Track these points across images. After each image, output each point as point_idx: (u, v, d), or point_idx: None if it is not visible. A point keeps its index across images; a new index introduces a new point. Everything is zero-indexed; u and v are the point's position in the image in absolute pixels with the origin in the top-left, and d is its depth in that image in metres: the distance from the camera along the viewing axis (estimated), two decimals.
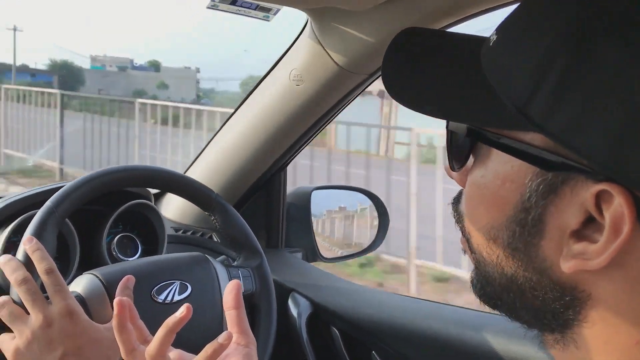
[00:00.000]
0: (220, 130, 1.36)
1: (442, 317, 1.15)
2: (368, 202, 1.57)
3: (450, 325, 1.11)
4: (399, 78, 0.53)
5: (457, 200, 0.54)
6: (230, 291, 0.76)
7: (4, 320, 0.82)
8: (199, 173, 1.37)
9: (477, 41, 0.51)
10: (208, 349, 0.68)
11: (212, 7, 1.01)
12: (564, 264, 0.43)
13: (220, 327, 1.03)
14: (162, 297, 0.97)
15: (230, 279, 1.08)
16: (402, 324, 1.16)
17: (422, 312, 1.19)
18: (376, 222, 1.55)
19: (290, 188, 1.50)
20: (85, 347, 0.82)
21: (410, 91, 0.52)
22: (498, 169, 0.47)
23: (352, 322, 1.22)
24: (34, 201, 1.16)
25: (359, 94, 1.20)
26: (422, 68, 0.52)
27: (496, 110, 0.45)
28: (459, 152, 0.51)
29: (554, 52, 0.41)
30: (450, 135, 0.52)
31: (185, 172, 1.42)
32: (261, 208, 1.43)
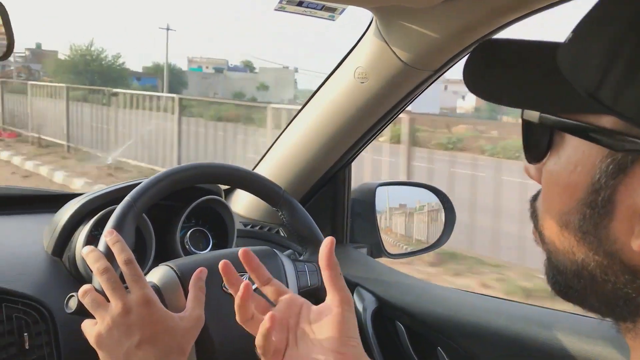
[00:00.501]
0: (287, 128, 1.39)
1: (507, 313, 1.14)
2: (433, 199, 1.56)
3: (517, 321, 1.09)
4: (478, 73, 0.56)
5: (534, 198, 0.57)
6: (325, 250, 0.78)
7: (87, 306, 0.88)
8: (267, 170, 1.40)
9: (553, 45, 0.53)
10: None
11: (280, 9, 1.04)
12: (635, 242, 0.44)
13: None
14: None
15: (296, 272, 1.11)
16: (467, 320, 1.15)
17: (487, 308, 1.18)
18: (441, 218, 1.55)
19: (355, 184, 1.52)
20: (160, 335, 0.86)
21: (488, 84, 0.55)
22: (570, 154, 0.49)
23: (417, 317, 1.23)
24: (113, 197, 1.23)
25: (424, 90, 1.21)
26: (500, 64, 0.55)
27: (569, 97, 0.47)
28: (535, 144, 0.53)
29: (623, 37, 0.44)
30: (526, 127, 0.54)
31: (254, 169, 1.47)
32: (326, 204, 1.46)
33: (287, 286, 1.07)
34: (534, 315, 1.12)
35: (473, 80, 0.55)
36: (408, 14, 1.01)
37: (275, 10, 1.04)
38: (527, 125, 0.54)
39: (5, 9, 0.84)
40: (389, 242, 1.55)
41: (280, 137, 1.41)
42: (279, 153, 1.41)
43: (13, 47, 0.88)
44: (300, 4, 1.03)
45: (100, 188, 1.31)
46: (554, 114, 0.49)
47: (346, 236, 1.50)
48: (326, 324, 0.75)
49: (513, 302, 1.24)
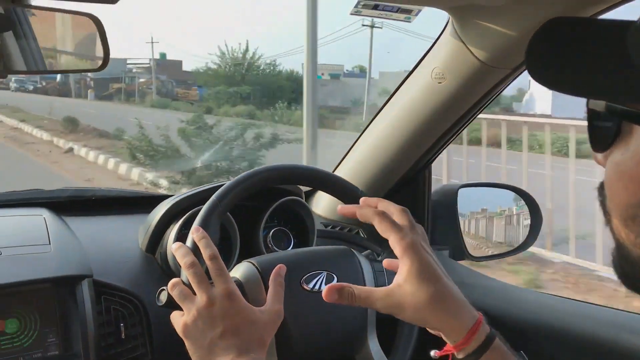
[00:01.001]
0: (366, 130, 1.41)
1: (593, 317, 1.09)
2: (517, 201, 1.52)
3: (604, 326, 1.05)
4: (542, 60, 0.54)
5: (602, 185, 0.55)
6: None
7: (175, 298, 0.94)
8: (346, 171, 1.43)
9: (622, 25, 0.50)
10: None
11: (356, 13, 1.07)
12: None
13: (364, 317, 1.07)
14: (310, 285, 1.05)
15: (374, 272, 1.12)
16: (551, 324, 1.12)
17: (571, 312, 1.14)
18: (526, 221, 1.51)
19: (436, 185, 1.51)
20: (242, 327, 0.91)
21: (552, 72, 0.53)
22: (638, 144, 0.47)
23: (499, 320, 1.20)
24: (200, 197, 1.30)
25: (504, 89, 1.19)
26: (565, 51, 0.53)
27: (639, 86, 0.45)
28: (601, 133, 0.52)
29: None
30: (591, 115, 0.53)
31: (334, 171, 1.50)
32: (406, 205, 1.45)
33: (365, 285, 1.09)
34: (624, 320, 1.07)
35: (535, 66, 0.54)
36: (484, 12, 1.00)
37: (351, 14, 1.07)
38: (592, 113, 0.52)
39: (101, 22, 0.92)
40: (471, 244, 1.53)
41: (360, 138, 1.43)
42: (358, 154, 1.43)
43: (109, 59, 0.96)
44: (375, 7, 1.05)
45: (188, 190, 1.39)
46: (622, 103, 0.48)
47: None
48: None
49: (598, 306, 1.19)
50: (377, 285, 1.10)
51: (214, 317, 0.90)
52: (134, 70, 44.86)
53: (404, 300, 0.76)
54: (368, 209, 0.83)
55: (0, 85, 42.47)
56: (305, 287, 1.04)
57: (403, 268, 0.77)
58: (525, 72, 1.12)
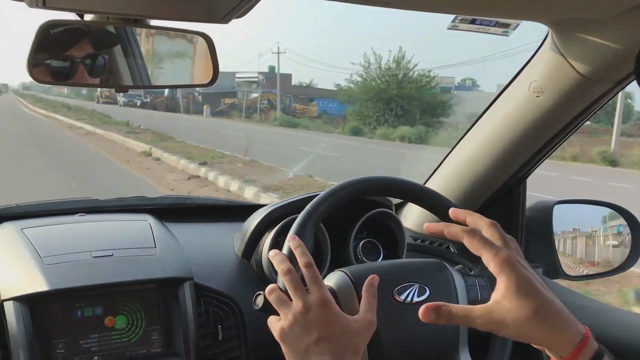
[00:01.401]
0: (459, 143, 1.40)
1: None
2: (614, 219, 1.46)
3: None
4: None
5: None
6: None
7: (272, 303, 0.98)
8: (438, 184, 1.43)
9: None
10: None
11: (453, 27, 1.07)
12: None
13: (457, 329, 1.07)
14: (403, 296, 1.05)
15: (466, 286, 1.11)
16: None
17: None
18: (625, 240, 1.44)
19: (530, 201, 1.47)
20: (336, 334, 0.93)
21: None
22: None
23: (600, 342, 1.16)
24: (294, 207, 1.34)
25: (606, 103, 1.15)
26: None
27: None
28: None
29: None
30: None
31: (425, 183, 1.50)
32: (499, 220, 1.43)
33: (457, 300, 1.08)
34: None
35: None
36: (586, 25, 0.98)
37: (449, 29, 1.07)
38: None
39: (211, 40, 0.98)
40: (566, 263, 1.48)
41: (453, 151, 1.43)
42: (451, 167, 1.42)
43: (218, 75, 1.02)
44: (473, 22, 1.06)
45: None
46: None
47: None
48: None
49: None
50: (469, 300, 1.09)
51: (309, 323, 0.92)
52: (243, 84, 43.82)
53: (504, 317, 0.75)
54: (456, 227, 0.82)
55: (109, 100, 44.63)
56: (397, 298, 1.05)
57: (500, 285, 0.77)
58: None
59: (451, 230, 0.82)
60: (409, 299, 1.05)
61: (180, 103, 40.49)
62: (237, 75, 46.77)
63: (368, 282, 1.01)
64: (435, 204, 1.16)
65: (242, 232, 1.40)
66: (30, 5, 0.77)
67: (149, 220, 1.42)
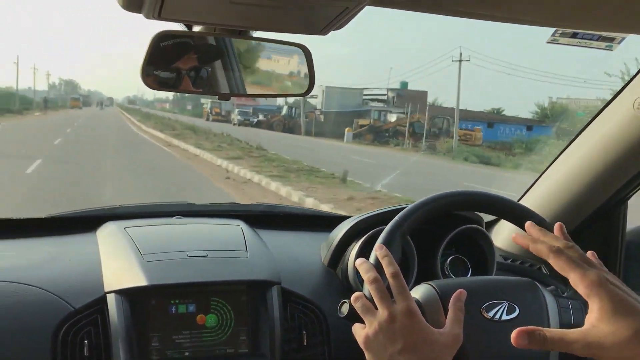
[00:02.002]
0: (556, 160, 1.36)
1: None
2: None
3: None
4: None
5: None
6: None
7: (357, 311, 0.99)
8: (532, 201, 1.39)
9: None
10: None
11: (553, 41, 1.05)
12: None
13: (546, 352, 1.03)
14: (491, 314, 1.03)
15: (559, 308, 1.07)
16: None
17: None
18: None
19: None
20: (421, 345, 0.92)
21: None
22: None
23: None
24: (381, 219, 1.35)
25: None
26: None
27: None
28: None
29: None
30: None
31: (518, 200, 1.46)
32: (596, 242, 1.37)
33: (548, 321, 1.05)
34: None
35: None
36: None
37: (548, 42, 1.05)
38: None
39: (309, 51, 1.01)
40: None
41: (548, 169, 1.38)
42: (546, 185, 1.38)
43: (313, 86, 1.05)
44: (574, 36, 1.03)
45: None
46: None
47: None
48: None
49: None
50: (561, 323, 1.05)
51: (394, 333, 0.93)
52: (371, 102, 39.00)
53: (603, 340, 0.72)
54: (543, 244, 0.79)
55: (219, 118, 41.40)
56: (485, 315, 1.03)
57: (593, 307, 0.74)
58: None
59: (537, 247, 0.79)
60: (497, 316, 1.03)
61: (301, 123, 35.76)
62: (364, 93, 41.20)
63: (455, 296, 1.00)
64: (527, 221, 1.13)
65: (328, 242, 1.42)
66: (147, 16, 0.83)
67: (240, 225, 1.47)
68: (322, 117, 38.11)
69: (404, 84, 39.29)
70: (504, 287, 1.08)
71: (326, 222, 1.65)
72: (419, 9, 0.79)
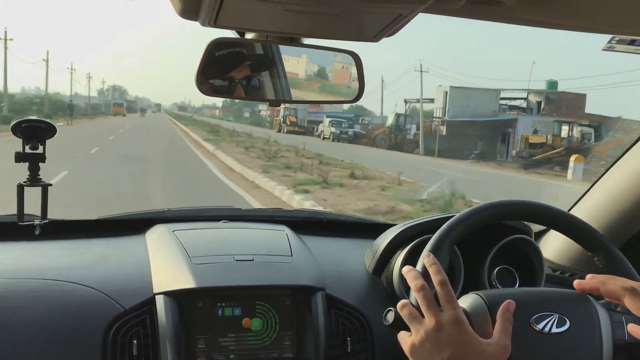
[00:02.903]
0: (610, 170, 1.32)
1: None
2: None
3: None
4: None
5: None
6: None
7: (404, 318, 0.98)
8: (584, 212, 1.35)
9: None
10: None
11: (609, 49, 1.03)
12: None
13: None
14: (540, 326, 1.01)
15: (612, 323, 1.04)
16: None
17: None
18: None
19: None
20: (468, 355, 0.91)
21: None
22: None
23: None
24: (427, 227, 1.34)
25: None
26: None
27: None
28: None
29: None
30: None
31: (569, 210, 1.43)
32: None
33: (600, 336, 1.02)
34: None
35: None
36: None
37: (604, 50, 1.03)
38: None
39: (359, 59, 1.02)
40: None
41: (602, 179, 1.35)
42: (599, 195, 1.35)
43: (362, 93, 1.05)
44: (632, 43, 1.00)
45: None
46: None
47: None
48: None
49: None
50: (614, 338, 1.02)
51: (441, 342, 0.92)
52: (509, 108, 28.46)
53: None
54: (614, 284, 0.77)
55: (296, 129, 33.49)
56: (534, 327, 1.01)
57: None
58: None
59: (609, 289, 0.77)
60: (547, 329, 1.01)
61: (420, 140, 26.97)
62: (501, 96, 30.10)
63: (504, 307, 0.98)
64: (580, 233, 1.10)
65: (373, 249, 1.42)
66: (203, 24, 0.85)
67: (285, 230, 1.48)
68: (443, 128, 27.85)
69: (552, 84, 28.18)
70: (555, 299, 1.06)
71: (369, 230, 1.65)
72: (474, 17, 0.78)
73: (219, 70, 1.01)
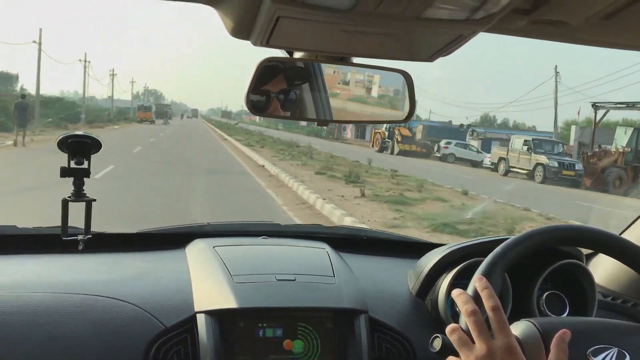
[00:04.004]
0: None
1: None
2: None
3: None
4: None
5: None
6: None
7: (453, 343, 0.94)
8: (635, 235, 1.30)
9: None
10: None
11: None
12: None
13: None
14: (598, 359, 0.96)
15: None
16: None
17: None
18: None
19: None
20: None
21: None
22: None
23: None
24: (475, 250, 1.30)
25: None
26: None
27: None
28: None
29: None
30: None
31: (620, 234, 1.37)
32: None
33: None
34: None
35: None
36: None
37: None
38: None
39: (411, 78, 1.00)
40: None
41: None
42: None
43: (413, 113, 1.03)
44: None
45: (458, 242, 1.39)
46: None
47: None
48: None
49: None
50: None
51: None
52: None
53: None
54: None
55: (415, 149, 25.27)
56: (592, 359, 0.96)
57: None
58: None
59: None
60: None
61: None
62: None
63: (559, 337, 0.94)
64: (633, 257, 1.06)
65: (417, 270, 1.39)
66: (255, 43, 0.84)
67: (326, 248, 1.46)
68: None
69: None
70: (613, 331, 1.01)
71: (413, 249, 1.61)
72: (537, 37, 0.75)
73: (256, 84, 1.00)
